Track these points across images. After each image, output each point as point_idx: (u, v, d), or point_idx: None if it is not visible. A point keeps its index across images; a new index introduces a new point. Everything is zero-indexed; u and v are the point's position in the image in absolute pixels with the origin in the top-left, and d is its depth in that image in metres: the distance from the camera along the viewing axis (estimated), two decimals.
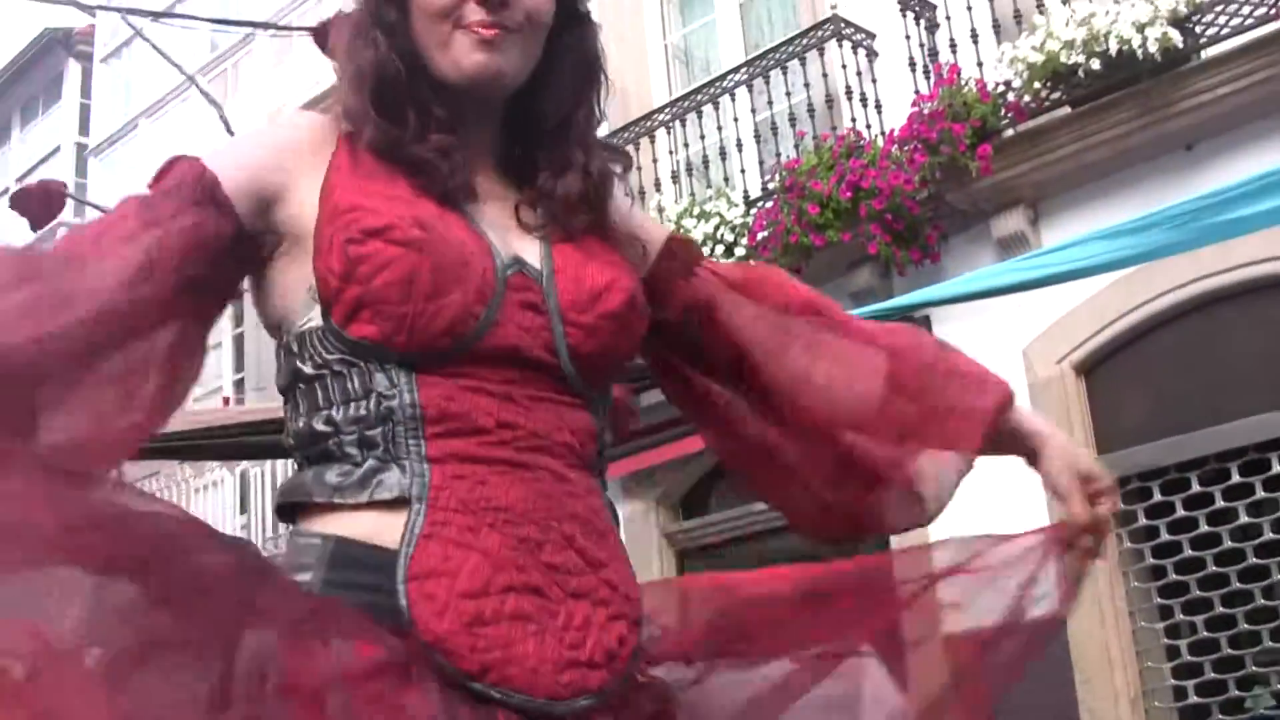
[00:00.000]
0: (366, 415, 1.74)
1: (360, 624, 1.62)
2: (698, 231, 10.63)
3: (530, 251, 1.86)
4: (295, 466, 1.85)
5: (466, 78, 1.87)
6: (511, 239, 1.87)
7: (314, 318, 1.77)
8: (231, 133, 7.80)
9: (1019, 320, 8.92)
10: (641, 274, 2.01)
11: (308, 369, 1.78)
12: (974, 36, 9.79)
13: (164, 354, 1.73)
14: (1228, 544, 8.58)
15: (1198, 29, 8.80)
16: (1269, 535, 8.43)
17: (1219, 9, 8.75)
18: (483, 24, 1.84)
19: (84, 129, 19.52)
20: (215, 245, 1.76)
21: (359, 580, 1.67)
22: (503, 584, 1.66)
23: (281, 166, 1.84)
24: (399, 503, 1.70)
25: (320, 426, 1.77)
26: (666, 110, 11.81)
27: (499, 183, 1.96)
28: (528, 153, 1.98)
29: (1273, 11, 8.44)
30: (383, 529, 1.69)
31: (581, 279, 1.85)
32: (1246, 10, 8.62)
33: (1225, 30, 8.70)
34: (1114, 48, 8.77)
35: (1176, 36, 8.66)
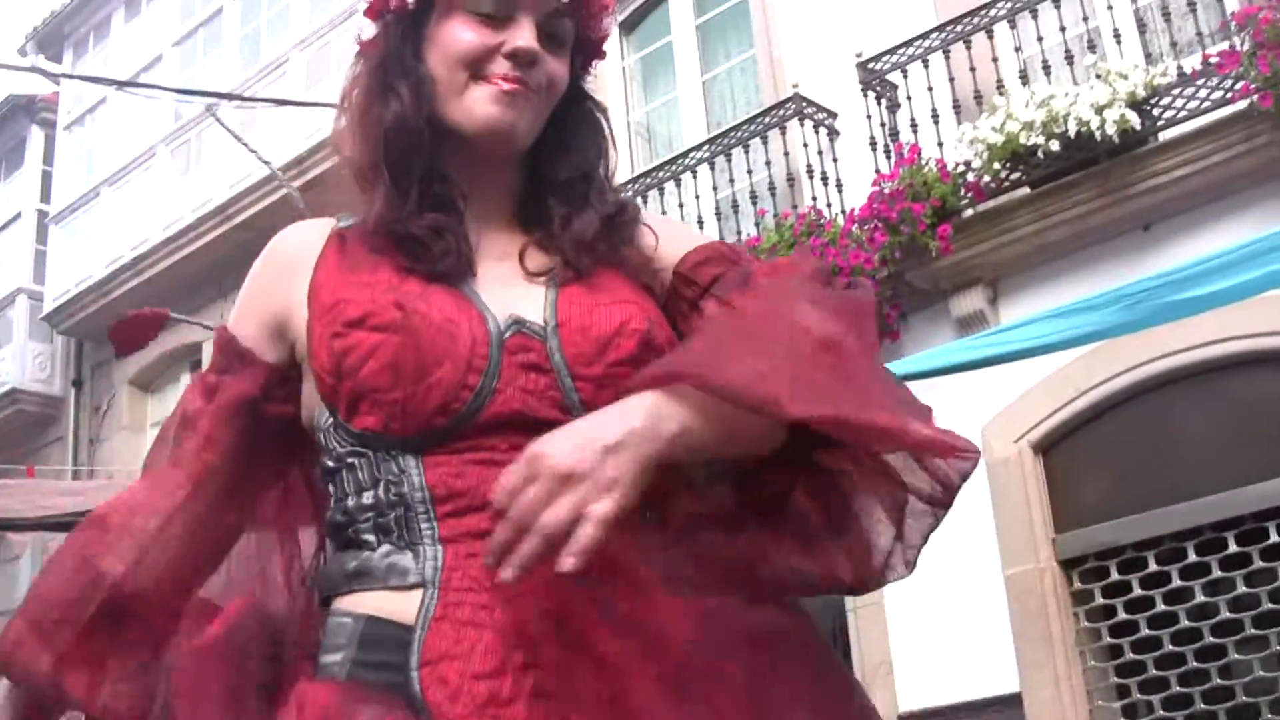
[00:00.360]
0: (378, 502, 1.73)
1: (384, 709, 1.61)
2: None
3: (532, 306, 1.80)
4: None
5: (479, 128, 1.85)
6: (513, 296, 1.81)
7: (327, 416, 1.78)
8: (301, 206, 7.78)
9: (977, 399, 8.92)
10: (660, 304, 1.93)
11: (329, 464, 1.79)
12: (934, 117, 9.87)
13: (275, 517, 1.98)
14: (1184, 623, 8.58)
15: (1155, 111, 8.89)
16: (1225, 615, 8.44)
17: (1176, 92, 8.85)
18: (506, 77, 1.83)
19: (45, 196, 19.41)
20: (258, 396, 1.88)
21: (388, 660, 1.65)
22: (520, 661, 1.60)
23: (277, 290, 1.87)
24: (415, 586, 1.68)
25: (339, 517, 1.78)
26: (628, 187, 11.80)
27: (511, 234, 1.93)
28: (543, 203, 1.94)
29: (1229, 95, 8.53)
30: (404, 609, 1.67)
31: (588, 328, 1.77)
32: (1203, 94, 8.71)
33: (1182, 113, 8.79)
34: (1073, 129, 8.85)
35: (1134, 119, 8.75)
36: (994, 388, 8.74)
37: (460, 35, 1.85)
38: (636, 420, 1.58)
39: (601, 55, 2.04)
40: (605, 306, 1.81)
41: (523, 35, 1.84)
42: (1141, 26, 9.56)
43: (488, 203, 1.92)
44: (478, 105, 1.84)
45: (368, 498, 1.73)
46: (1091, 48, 9.43)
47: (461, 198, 1.87)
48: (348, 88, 1.95)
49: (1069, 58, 9.46)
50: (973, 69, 9.72)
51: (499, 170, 1.94)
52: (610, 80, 13.14)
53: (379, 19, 1.93)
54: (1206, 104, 8.70)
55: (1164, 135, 8.93)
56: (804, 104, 10.78)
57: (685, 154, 11.67)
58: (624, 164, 12.56)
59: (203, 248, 15.84)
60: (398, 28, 1.90)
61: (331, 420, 1.76)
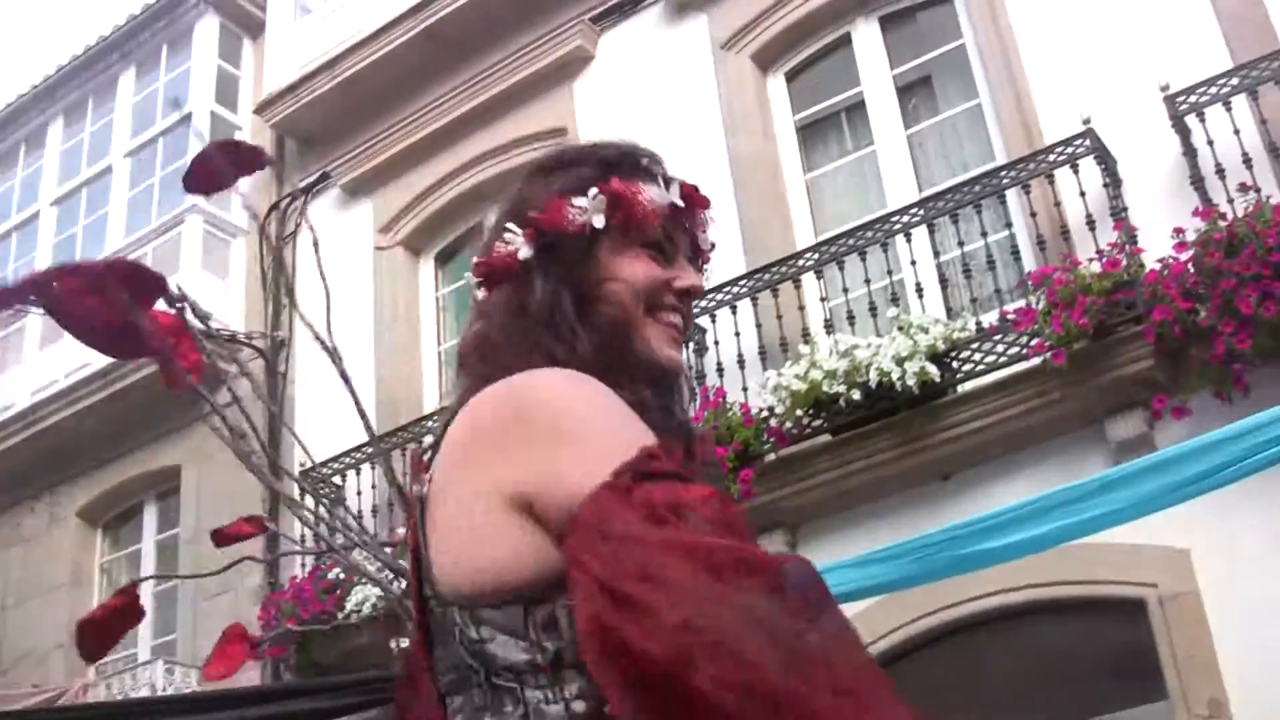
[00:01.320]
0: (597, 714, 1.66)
1: None
2: None
3: None
4: None
5: (661, 367, 1.92)
6: None
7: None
8: None
9: None
10: None
11: (538, 652, 1.68)
12: (740, 362, 9.99)
13: None
14: None
15: (954, 364, 9.09)
16: None
17: (975, 346, 9.06)
18: (676, 312, 1.95)
19: None
20: None
21: None
22: None
23: None
24: None
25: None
26: (435, 418, 11.75)
27: None
28: None
29: (1024, 351, 8.76)
30: None
31: None
32: (1000, 349, 8.94)
33: (980, 367, 9.00)
34: (874, 379, 9.00)
35: (934, 371, 8.93)
36: None
37: (640, 269, 1.93)
38: None
39: None
40: None
41: (693, 274, 1.98)
42: (943, 282, 9.81)
43: None
44: (661, 345, 1.93)
45: (581, 705, 1.66)
46: (895, 300, 9.65)
47: None
48: (532, 295, 1.93)
49: (873, 309, 9.66)
50: (779, 316, 9.87)
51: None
52: (424, 310, 13.19)
53: (542, 238, 1.96)
54: (1003, 359, 8.93)
55: (962, 388, 9.13)
56: None
57: None
58: (433, 393, 12.55)
59: (5, 451, 15.45)
60: (569, 248, 1.94)
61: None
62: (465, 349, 1.99)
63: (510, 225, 1.99)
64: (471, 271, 2.04)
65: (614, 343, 1.89)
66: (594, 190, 1.96)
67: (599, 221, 1.95)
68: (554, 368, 1.83)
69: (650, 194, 1.97)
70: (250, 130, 15.51)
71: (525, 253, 1.95)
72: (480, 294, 2.02)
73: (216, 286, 14.37)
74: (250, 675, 12.23)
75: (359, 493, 11.73)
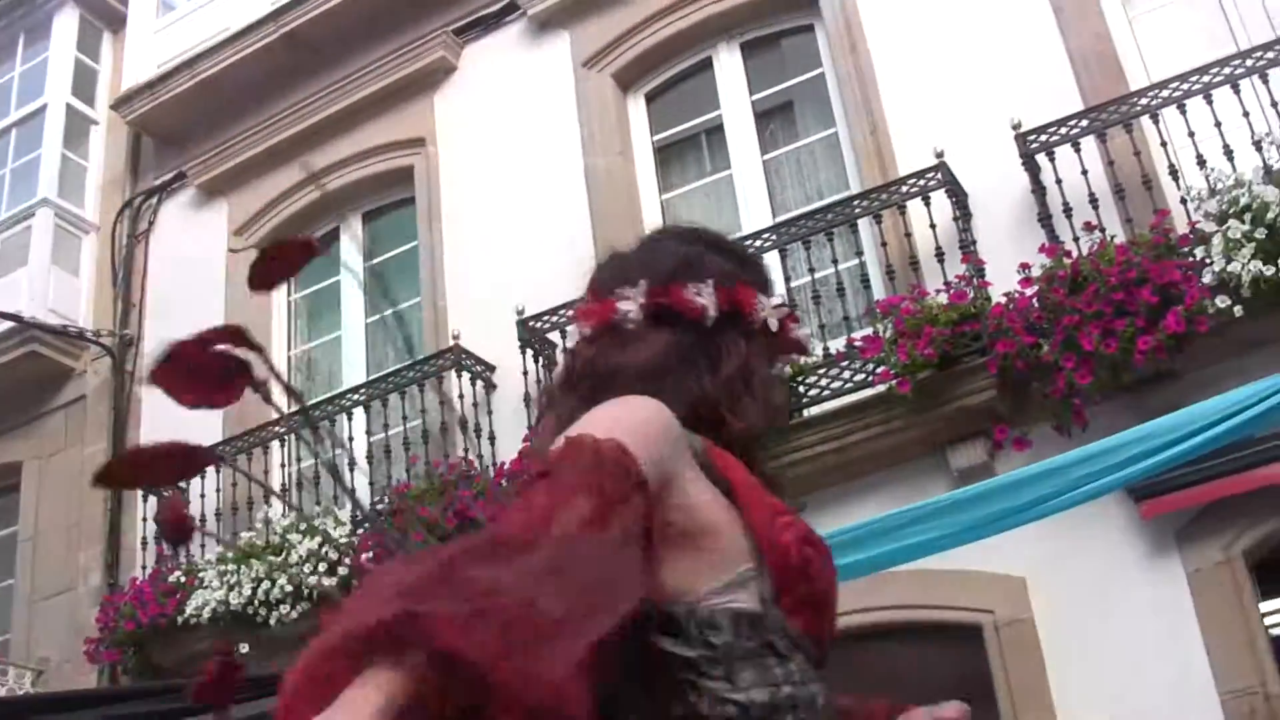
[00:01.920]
0: (778, 702, 1.78)
1: None
2: (303, 547, 10.49)
3: None
4: None
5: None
6: None
7: (741, 600, 1.82)
8: None
9: None
10: None
11: (706, 649, 1.78)
12: None
13: None
14: None
15: (801, 389, 9.17)
16: None
17: (821, 372, 9.16)
18: None
19: None
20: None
21: None
22: None
23: (671, 453, 1.83)
24: None
25: (727, 710, 1.75)
26: (282, 424, 11.61)
27: None
28: None
29: (870, 379, 8.87)
30: None
31: None
32: (847, 375, 9.05)
33: (826, 393, 9.10)
34: None
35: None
36: None
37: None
38: None
39: None
40: None
41: None
42: (794, 307, 9.89)
43: None
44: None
45: (771, 694, 1.78)
46: None
47: None
48: (728, 355, 2.11)
49: None
50: None
51: None
52: (276, 314, 13.03)
53: (729, 308, 2.13)
54: (849, 385, 9.03)
55: (808, 413, 9.19)
56: (463, 355, 10.81)
57: (343, 394, 11.57)
58: (279, 398, 12.38)
59: None
60: (738, 329, 2.14)
61: (754, 609, 1.82)
62: (621, 366, 2.06)
63: (704, 283, 2.11)
64: (645, 297, 2.11)
65: (768, 422, 2.15)
66: (778, 301, 2.19)
67: (774, 325, 2.17)
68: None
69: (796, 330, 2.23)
70: (106, 126, 15.27)
71: (713, 312, 2.10)
72: (632, 314, 2.10)
73: (66, 283, 14.13)
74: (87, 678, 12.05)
75: (202, 496, 11.59)
